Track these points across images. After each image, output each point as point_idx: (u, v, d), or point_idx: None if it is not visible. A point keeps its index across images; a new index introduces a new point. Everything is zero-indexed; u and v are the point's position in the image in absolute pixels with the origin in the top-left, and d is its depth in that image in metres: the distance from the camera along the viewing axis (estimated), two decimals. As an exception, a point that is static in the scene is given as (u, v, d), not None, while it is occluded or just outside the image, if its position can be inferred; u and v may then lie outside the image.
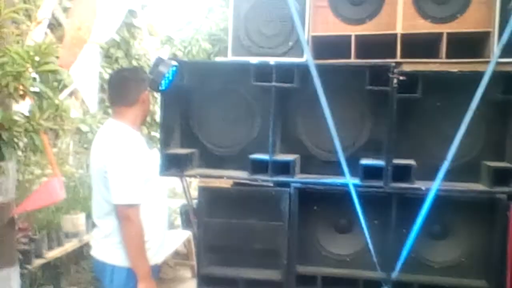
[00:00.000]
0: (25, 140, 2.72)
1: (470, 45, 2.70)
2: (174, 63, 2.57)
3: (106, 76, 5.57)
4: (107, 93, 3.34)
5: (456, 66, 2.52)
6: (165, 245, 3.01)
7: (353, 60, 2.68)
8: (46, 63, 2.55)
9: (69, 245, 4.84)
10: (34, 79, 2.58)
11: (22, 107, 3.04)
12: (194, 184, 5.51)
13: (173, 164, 2.60)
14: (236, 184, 2.65)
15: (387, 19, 2.69)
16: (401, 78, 2.32)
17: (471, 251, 2.49)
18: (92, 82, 4.92)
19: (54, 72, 2.62)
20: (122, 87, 2.82)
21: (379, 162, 2.39)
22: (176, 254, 6.10)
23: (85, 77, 4.72)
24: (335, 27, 2.77)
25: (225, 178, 2.62)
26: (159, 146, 2.66)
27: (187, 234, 6.00)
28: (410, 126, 2.47)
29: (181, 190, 5.98)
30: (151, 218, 2.74)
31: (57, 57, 2.67)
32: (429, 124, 2.49)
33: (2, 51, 2.53)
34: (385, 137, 2.40)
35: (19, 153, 4.14)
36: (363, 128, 2.55)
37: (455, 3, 2.62)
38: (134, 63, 6.65)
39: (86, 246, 4.98)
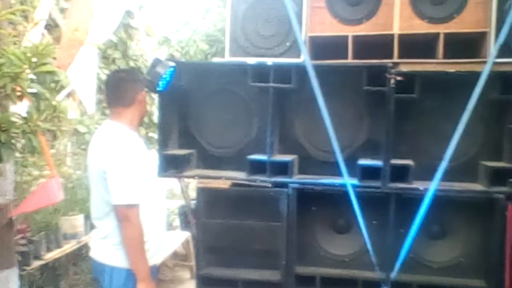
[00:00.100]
0: (23, 141, 2.72)
1: (467, 45, 2.70)
2: (172, 64, 2.57)
3: (104, 77, 5.57)
4: (104, 94, 3.34)
5: (453, 66, 2.52)
6: (164, 246, 3.01)
7: (350, 60, 2.68)
8: (43, 64, 2.54)
9: (68, 247, 4.83)
10: (32, 80, 2.57)
11: (19, 109, 3.03)
12: (193, 185, 5.52)
13: (171, 165, 2.60)
14: (234, 184, 2.66)
15: (384, 20, 2.69)
16: (398, 78, 2.32)
17: (470, 251, 2.50)
18: (89, 83, 4.91)
19: (51, 73, 2.61)
20: (119, 88, 2.82)
21: (377, 163, 2.40)
22: (175, 255, 6.10)
23: (82, 78, 4.71)
24: (332, 28, 2.77)
25: (223, 179, 2.62)
26: (157, 147, 2.66)
27: (186, 235, 6.00)
28: (408, 126, 2.48)
29: (179, 191, 5.99)
30: (149, 219, 2.73)
31: (54, 58, 2.66)
32: (426, 124, 2.49)
33: (-1, 52, 2.53)
34: (382, 137, 2.40)
35: (17, 154, 4.13)
36: (361, 129, 2.56)
37: (452, 4, 2.62)
38: (132, 64, 6.64)
39: (84, 247, 4.97)
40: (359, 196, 2.35)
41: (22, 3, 4.81)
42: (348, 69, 2.58)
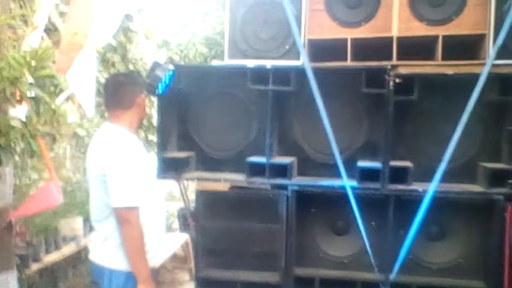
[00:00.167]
0: (22, 145, 2.72)
1: (466, 47, 2.70)
2: (171, 67, 2.57)
3: (103, 81, 5.56)
4: (103, 98, 3.34)
5: (452, 68, 2.52)
6: (163, 249, 3.01)
7: (349, 63, 2.68)
8: (43, 68, 2.55)
9: (67, 249, 4.84)
10: (31, 84, 2.58)
11: (19, 112, 3.04)
12: (192, 187, 5.52)
13: (171, 168, 2.60)
14: (233, 187, 2.66)
15: (383, 22, 2.70)
16: (397, 80, 2.33)
17: (469, 252, 2.50)
18: (89, 86, 4.91)
19: (50, 77, 2.61)
20: (118, 91, 2.83)
21: (376, 164, 2.40)
22: (174, 257, 6.10)
23: (82, 82, 4.72)
24: (331, 31, 2.77)
25: (223, 181, 2.62)
26: (156, 149, 2.66)
27: (185, 237, 6.00)
28: (407, 128, 2.49)
29: (178, 193, 5.98)
30: (148, 221, 2.74)
31: (54, 62, 2.67)
32: (425, 125, 2.50)
33: (-1, 56, 2.54)
34: (382, 139, 2.41)
35: (16, 157, 4.13)
36: (360, 131, 2.56)
37: (451, 6, 2.63)
38: (131, 67, 6.64)
39: (83, 250, 4.98)
40: (358, 198, 2.35)
41: (21, 7, 4.81)
42: (347, 72, 2.59)
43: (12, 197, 3.51)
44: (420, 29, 2.67)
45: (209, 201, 2.63)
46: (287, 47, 2.73)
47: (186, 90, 2.68)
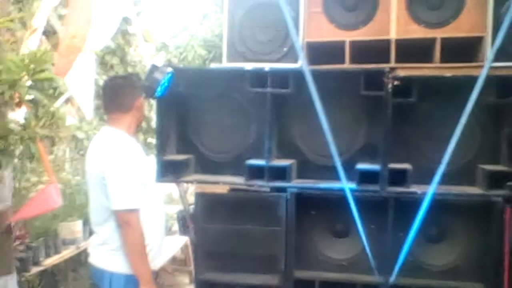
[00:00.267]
0: (21, 148, 2.72)
1: (464, 49, 2.71)
2: (169, 69, 2.58)
3: (102, 83, 5.57)
4: (101, 101, 3.34)
5: (450, 70, 2.53)
6: (163, 251, 3.01)
7: (347, 65, 2.69)
8: (42, 70, 2.55)
9: (67, 252, 4.83)
10: (30, 86, 2.58)
11: (17, 115, 3.04)
12: (191, 190, 5.52)
13: (170, 170, 2.61)
14: (232, 189, 2.66)
15: (381, 25, 2.71)
16: (395, 83, 2.33)
17: (468, 254, 2.50)
18: (87, 89, 4.92)
19: (49, 79, 2.62)
20: (116, 94, 2.83)
21: (375, 167, 2.40)
22: (174, 260, 6.09)
23: (80, 84, 4.73)
24: (329, 33, 2.78)
25: (222, 184, 2.62)
26: (155, 152, 2.67)
27: (185, 240, 5.99)
28: (406, 130, 2.49)
29: (178, 196, 5.99)
30: (148, 224, 2.74)
31: (53, 65, 2.67)
32: (424, 128, 2.50)
33: (-3, 59, 2.53)
34: (380, 141, 2.41)
35: (15, 160, 4.14)
36: (359, 133, 2.56)
37: (448, 8, 2.64)
38: (130, 70, 6.65)
39: (83, 253, 4.97)
40: (358, 200, 2.35)
41: (20, 10, 4.82)
42: (346, 74, 2.59)
43: (11, 200, 3.51)
44: (418, 32, 2.68)
45: (209, 204, 2.63)
46: (285, 49, 2.74)
47: (185, 93, 2.68)
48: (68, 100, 5.39)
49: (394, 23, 2.67)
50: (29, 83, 2.58)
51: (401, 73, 2.48)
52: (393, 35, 2.67)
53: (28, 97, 2.58)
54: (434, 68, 2.61)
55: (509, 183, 2.32)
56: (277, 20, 2.67)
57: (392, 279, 2.40)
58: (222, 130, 2.68)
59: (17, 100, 2.59)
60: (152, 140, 6.52)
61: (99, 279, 2.80)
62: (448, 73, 2.45)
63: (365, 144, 2.56)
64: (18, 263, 3.94)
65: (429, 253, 2.52)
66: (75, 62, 4.23)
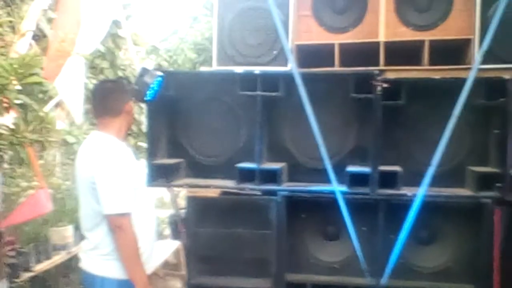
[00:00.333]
0: (10, 152, 2.71)
1: (452, 52, 2.73)
2: (159, 73, 2.57)
3: (92, 87, 5.54)
4: (91, 105, 3.33)
5: (438, 72, 2.55)
6: (155, 255, 3.00)
7: (337, 68, 2.70)
8: (31, 75, 2.54)
9: (57, 258, 4.78)
10: (19, 91, 2.57)
11: (6, 120, 3.02)
12: (183, 193, 5.50)
13: (160, 175, 2.60)
14: (224, 193, 2.66)
15: (369, 28, 2.72)
16: (384, 85, 2.34)
17: (459, 255, 2.51)
18: (77, 93, 4.90)
19: (38, 83, 2.60)
20: (106, 98, 2.81)
21: (366, 169, 2.41)
22: (166, 264, 6.06)
23: (70, 88, 4.70)
24: (318, 36, 2.79)
25: (213, 188, 2.62)
26: (146, 156, 2.66)
27: (177, 244, 5.97)
28: (395, 132, 2.50)
29: (169, 200, 5.98)
30: (139, 228, 2.72)
31: (42, 69, 2.66)
32: (414, 130, 2.51)
33: (-14, 64, 2.52)
34: (370, 144, 2.42)
35: (5, 165, 4.11)
36: (349, 136, 2.57)
37: (437, 11, 2.66)
38: (120, 73, 6.62)
39: (74, 259, 4.94)
40: (348, 203, 2.36)
41: (9, 14, 4.79)
42: (335, 77, 2.60)
43: (1, 205, 3.49)
44: (406, 34, 2.70)
45: (200, 208, 2.63)
46: (275, 52, 2.74)
47: (175, 97, 2.68)
48: (58, 105, 5.36)
49: (382, 26, 2.69)
50: (18, 87, 2.56)
51: (390, 75, 2.49)
52: (382, 37, 2.68)
53: (17, 101, 2.57)
54: (423, 71, 2.63)
55: (498, 185, 2.34)
56: (267, 23, 2.68)
57: (383, 281, 2.41)
58: (212, 134, 2.68)
59: (6, 104, 2.57)
60: (143, 144, 6.50)
61: (90, 284, 2.78)
62: (437, 76, 2.47)
63: (355, 146, 2.57)
64: (9, 269, 3.91)
65: (420, 255, 2.53)
66: (64, 66, 4.21)
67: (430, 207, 2.35)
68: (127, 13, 6.59)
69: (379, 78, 2.36)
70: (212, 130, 2.69)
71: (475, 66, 2.23)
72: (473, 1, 2.60)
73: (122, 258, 2.63)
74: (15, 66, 2.50)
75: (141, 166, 2.75)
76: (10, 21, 4.09)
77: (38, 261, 4.52)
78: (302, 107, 2.29)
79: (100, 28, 5.10)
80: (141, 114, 5.98)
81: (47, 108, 4.17)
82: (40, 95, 2.76)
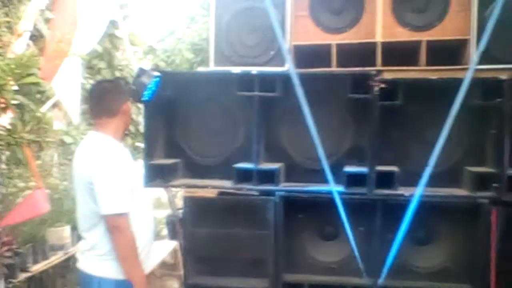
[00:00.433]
0: (8, 153, 2.70)
1: (449, 52, 2.73)
2: (157, 73, 2.57)
3: (89, 87, 5.53)
4: (88, 105, 3.32)
5: (435, 73, 2.56)
6: (152, 256, 2.99)
7: (334, 68, 2.70)
8: (28, 75, 2.54)
9: (55, 258, 4.78)
10: (16, 91, 2.56)
11: (3, 120, 3.02)
12: (180, 194, 5.50)
13: (158, 175, 2.60)
14: (221, 193, 2.66)
15: (367, 28, 2.72)
16: (382, 85, 2.35)
17: (455, 255, 2.52)
18: (74, 93, 4.89)
19: (35, 84, 2.61)
20: (102, 99, 2.81)
21: (363, 169, 2.42)
22: (163, 264, 6.07)
23: (67, 89, 4.69)
24: (315, 36, 2.79)
25: (210, 188, 2.62)
26: (143, 156, 2.66)
27: (174, 244, 5.97)
28: (392, 133, 2.50)
29: (166, 200, 5.97)
30: (137, 228, 2.72)
31: (39, 69, 2.66)
32: (411, 130, 2.52)
33: (-17, 65, 2.52)
34: (368, 144, 2.42)
35: (2, 166, 4.10)
36: (346, 136, 2.57)
37: (434, 12, 2.66)
38: (117, 74, 6.62)
39: (72, 259, 4.93)
40: (346, 203, 2.36)
41: (6, 14, 4.79)
42: (332, 77, 2.60)
43: (-2, 206, 3.48)
44: (403, 35, 2.70)
45: (197, 208, 2.63)
46: (272, 53, 2.74)
47: (173, 97, 2.68)
48: (55, 105, 5.35)
49: (380, 26, 2.69)
50: (15, 87, 2.56)
51: (387, 76, 2.49)
52: (379, 38, 2.68)
53: (14, 102, 2.57)
54: (420, 71, 2.63)
55: (495, 185, 2.35)
56: (264, 23, 2.68)
57: (380, 281, 2.41)
58: (210, 134, 2.68)
59: (3, 105, 2.57)
60: (141, 144, 6.49)
61: (87, 285, 2.78)
62: (434, 76, 2.47)
63: (352, 147, 2.57)
64: (6, 269, 3.90)
65: (417, 255, 2.53)
66: (61, 66, 4.20)
67: (427, 207, 2.36)
68: (124, 14, 6.59)
69: (376, 78, 2.36)
70: (210, 130, 2.69)
71: (472, 67, 2.24)
72: (470, 2, 2.61)
73: (120, 258, 2.63)
74: (12, 66, 2.50)
75: (139, 167, 2.75)
76: (8, 21, 4.09)
77: (36, 262, 4.52)
78: (299, 108, 2.29)
79: (97, 28, 5.09)
80: (138, 114, 5.99)
81: (44, 108, 4.16)
82: (37, 96, 2.76)
